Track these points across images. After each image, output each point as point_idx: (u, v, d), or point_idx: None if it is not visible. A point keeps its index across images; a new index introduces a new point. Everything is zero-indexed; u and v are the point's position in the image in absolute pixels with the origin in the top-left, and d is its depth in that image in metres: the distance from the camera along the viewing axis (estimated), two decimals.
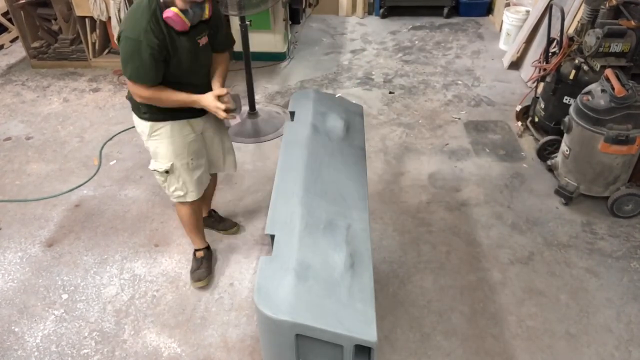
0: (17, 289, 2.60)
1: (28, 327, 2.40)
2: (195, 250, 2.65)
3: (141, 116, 2.22)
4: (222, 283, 2.60)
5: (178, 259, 2.75)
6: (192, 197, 2.40)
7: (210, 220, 2.88)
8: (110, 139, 3.79)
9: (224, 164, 2.57)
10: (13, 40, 5.44)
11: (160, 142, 2.24)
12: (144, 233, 2.92)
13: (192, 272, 2.60)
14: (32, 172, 3.46)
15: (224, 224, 2.90)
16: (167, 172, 2.29)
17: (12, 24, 5.09)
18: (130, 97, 2.20)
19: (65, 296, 2.56)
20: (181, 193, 2.38)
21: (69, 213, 3.09)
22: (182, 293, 2.56)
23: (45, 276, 2.67)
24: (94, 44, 4.78)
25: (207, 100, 2.11)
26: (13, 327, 2.40)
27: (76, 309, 2.49)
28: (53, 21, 4.82)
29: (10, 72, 4.86)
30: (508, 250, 2.76)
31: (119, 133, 3.85)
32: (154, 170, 2.32)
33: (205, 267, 2.60)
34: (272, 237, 1.57)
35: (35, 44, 4.81)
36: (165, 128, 2.22)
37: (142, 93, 2.05)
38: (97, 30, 4.73)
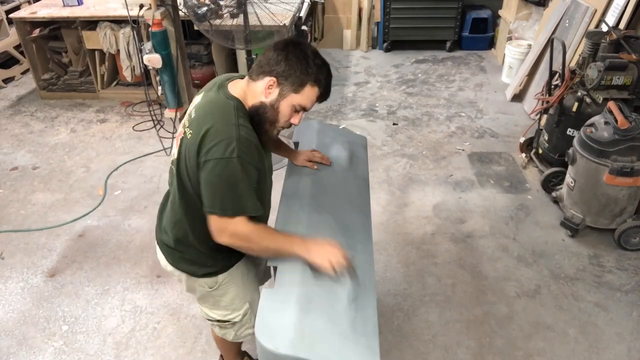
0: (17, 320, 2.57)
1: None
2: None
3: (205, 274, 1.67)
4: None
5: (180, 290, 2.72)
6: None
7: None
8: (116, 169, 3.81)
9: (267, 274, 2.07)
10: (24, 73, 5.56)
11: (231, 290, 1.73)
12: (147, 264, 2.91)
13: None
14: (37, 201, 3.47)
15: None
16: (240, 319, 1.79)
17: (24, 57, 5.21)
18: (186, 261, 1.67)
19: (65, 327, 2.53)
20: (251, 331, 1.83)
21: (72, 243, 3.09)
22: (183, 325, 2.52)
23: (46, 307, 2.64)
24: (102, 76, 4.87)
25: (322, 248, 1.47)
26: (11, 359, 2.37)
27: (76, 340, 2.45)
28: (63, 54, 4.94)
29: (20, 103, 4.94)
30: (514, 283, 2.72)
31: (125, 163, 3.87)
32: (220, 321, 1.80)
33: None
34: (275, 268, 1.55)
35: (46, 76, 4.91)
36: (238, 270, 1.72)
37: (241, 230, 1.43)
38: (106, 63, 4.83)
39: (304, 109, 1.49)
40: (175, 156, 1.54)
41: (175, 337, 2.46)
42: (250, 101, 1.47)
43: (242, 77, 1.55)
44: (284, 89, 1.44)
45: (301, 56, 1.44)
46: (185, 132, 1.48)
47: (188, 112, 1.54)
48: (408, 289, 2.70)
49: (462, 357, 2.32)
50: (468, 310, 2.56)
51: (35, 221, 3.28)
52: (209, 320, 1.84)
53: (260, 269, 1.95)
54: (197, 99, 1.56)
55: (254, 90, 1.47)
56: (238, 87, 1.51)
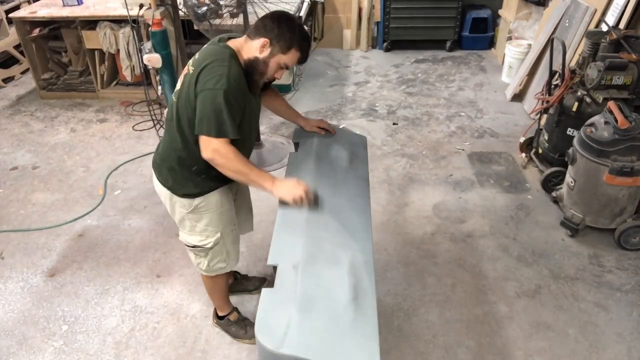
0: (17, 320, 2.57)
1: None
2: (227, 315, 2.42)
3: (185, 194, 1.94)
4: None
5: (180, 290, 2.72)
6: (232, 267, 2.21)
7: (237, 284, 2.66)
8: (116, 168, 3.81)
9: (246, 224, 2.41)
10: (24, 72, 5.56)
11: (205, 215, 2.00)
12: (147, 263, 2.91)
13: (246, 335, 2.39)
14: (37, 201, 3.47)
15: (253, 282, 2.69)
16: (212, 246, 2.06)
17: (24, 56, 5.21)
18: (171, 178, 1.94)
19: (65, 327, 2.52)
20: (223, 265, 2.15)
21: (72, 243, 3.08)
22: (183, 325, 2.52)
23: (46, 307, 2.64)
24: (102, 76, 4.87)
25: (289, 185, 1.80)
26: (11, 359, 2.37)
27: (76, 340, 2.45)
28: (63, 53, 4.93)
29: (20, 103, 4.94)
30: (514, 283, 2.72)
31: (125, 163, 3.87)
32: (195, 246, 2.06)
33: (250, 325, 2.42)
34: (275, 268, 1.55)
35: (45, 76, 4.91)
36: (213, 197, 1.98)
37: (221, 148, 1.73)
38: (106, 63, 4.82)
39: (287, 67, 1.86)
40: (178, 88, 1.86)
41: (175, 337, 2.45)
42: (245, 55, 1.80)
43: (239, 37, 1.89)
44: (275, 49, 1.79)
45: (291, 26, 1.80)
46: (188, 69, 1.81)
47: (192, 58, 1.86)
48: (408, 288, 2.70)
49: (462, 357, 2.32)
50: (468, 310, 2.56)
51: (35, 221, 3.28)
52: (186, 246, 2.10)
53: (242, 216, 2.31)
54: (202, 48, 1.88)
55: (250, 46, 1.80)
56: (236, 42, 1.84)
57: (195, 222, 2.01)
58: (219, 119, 1.70)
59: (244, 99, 1.79)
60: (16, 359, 2.37)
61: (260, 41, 1.78)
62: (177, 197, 1.96)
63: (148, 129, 4.32)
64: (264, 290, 1.46)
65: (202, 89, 1.71)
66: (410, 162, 3.83)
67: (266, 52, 1.79)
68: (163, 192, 2.00)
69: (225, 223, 2.06)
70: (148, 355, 2.36)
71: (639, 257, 2.87)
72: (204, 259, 2.11)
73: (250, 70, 1.80)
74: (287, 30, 1.78)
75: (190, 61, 1.84)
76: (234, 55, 1.77)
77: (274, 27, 1.78)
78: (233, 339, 2.41)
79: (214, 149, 1.73)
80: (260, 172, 1.83)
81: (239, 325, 2.42)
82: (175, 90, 1.90)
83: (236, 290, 2.65)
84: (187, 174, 1.91)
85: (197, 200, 1.96)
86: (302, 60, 1.87)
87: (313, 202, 1.78)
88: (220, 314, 2.44)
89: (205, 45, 1.88)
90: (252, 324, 2.41)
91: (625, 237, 2.88)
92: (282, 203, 1.78)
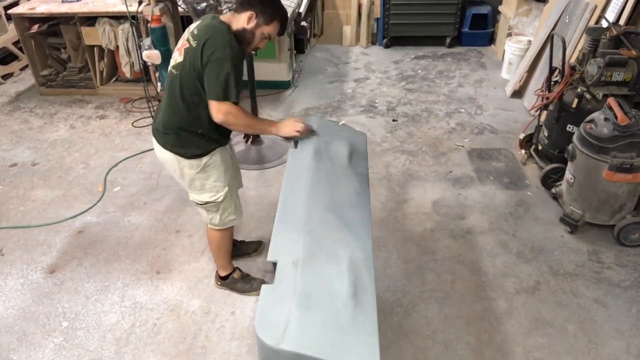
0: (17, 316, 2.57)
1: (27, 356, 2.37)
2: (230, 274, 2.64)
3: (192, 155, 2.17)
4: (223, 312, 2.57)
5: (180, 286, 2.73)
6: (239, 219, 2.48)
7: (236, 249, 2.85)
8: (115, 165, 3.81)
9: (237, 180, 2.62)
10: (23, 69, 5.54)
11: (212, 172, 2.24)
12: (146, 260, 2.91)
13: (252, 288, 2.62)
14: (36, 198, 3.47)
15: (251, 245, 2.92)
16: (222, 200, 2.31)
17: (23, 53, 5.20)
18: (177, 143, 2.14)
19: (65, 324, 2.53)
20: (233, 217, 2.42)
21: (72, 239, 3.09)
22: (182, 321, 2.52)
23: (46, 303, 2.65)
24: (101, 72, 4.86)
25: (288, 123, 2.15)
26: (11, 356, 2.37)
27: (76, 337, 2.46)
28: (62, 50, 4.92)
29: (19, 100, 4.93)
30: (514, 279, 2.73)
31: (124, 159, 3.87)
32: (207, 202, 2.30)
33: (254, 279, 2.67)
34: (275, 264, 1.56)
35: (44, 72, 4.90)
36: (216, 156, 2.23)
37: (230, 110, 1.99)
38: (105, 59, 4.81)
39: (269, 38, 2.10)
40: (179, 61, 2.05)
41: (175, 333, 2.46)
42: (234, 27, 2.03)
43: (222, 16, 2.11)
44: (260, 20, 2.03)
45: (272, 1, 2.07)
46: (190, 43, 2.01)
47: (188, 33, 2.07)
48: (407, 285, 2.70)
49: (461, 353, 2.33)
50: (467, 306, 2.57)
51: (35, 217, 3.28)
52: (198, 205, 2.33)
53: (234, 172, 2.50)
54: (195, 25, 2.09)
55: (238, 19, 2.03)
56: (225, 18, 2.07)
57: (205, 180, 2.24)
58: (228, 85, 1.94)
59: (241, 65, 2.05)
60: (16, 355, 2.37)
61: (247, 14, 2.01)
62: (185, 159, 2.17)
63: (147, 125, 4.31)
64: (264, 287, 1.47)
65: (210, 59, 1.93)
66: (409, 158, 3.83)
67: (252, 23, 2.02)
68: (170, 159, 2.20)
69: (229, 177, 2.32)
70: (148, 352, 2.37)
71: (638, 253, 2.87)
72: (216, 214, 2.35)
73: (239, 40, 2.02)
74: (269, 5, 2.04)
75: (188, 35, 2.05)
76: (229, 29, 2.01)
77: (258, 2, 2.03)
78: (239, 295, 2.62)
79: (226, 112, 1.97)
80: (263, 121, 2.20)
81: (243, 281, 2.63)
82: (174, 63, 2.07)
83: (236, 255, 2.82)
84: (193, 137, 2.13)
85: (204, 159, 2.19)
86: (282, 32, 2.12)
87: (309, 131, 2.12)
88: (223, 274, 2.63)
89: (200, 22, 2.09)
90: (255, 278, 2.68)
91: (625, 233, 2.89)
92: (287, 139, 2.16)
